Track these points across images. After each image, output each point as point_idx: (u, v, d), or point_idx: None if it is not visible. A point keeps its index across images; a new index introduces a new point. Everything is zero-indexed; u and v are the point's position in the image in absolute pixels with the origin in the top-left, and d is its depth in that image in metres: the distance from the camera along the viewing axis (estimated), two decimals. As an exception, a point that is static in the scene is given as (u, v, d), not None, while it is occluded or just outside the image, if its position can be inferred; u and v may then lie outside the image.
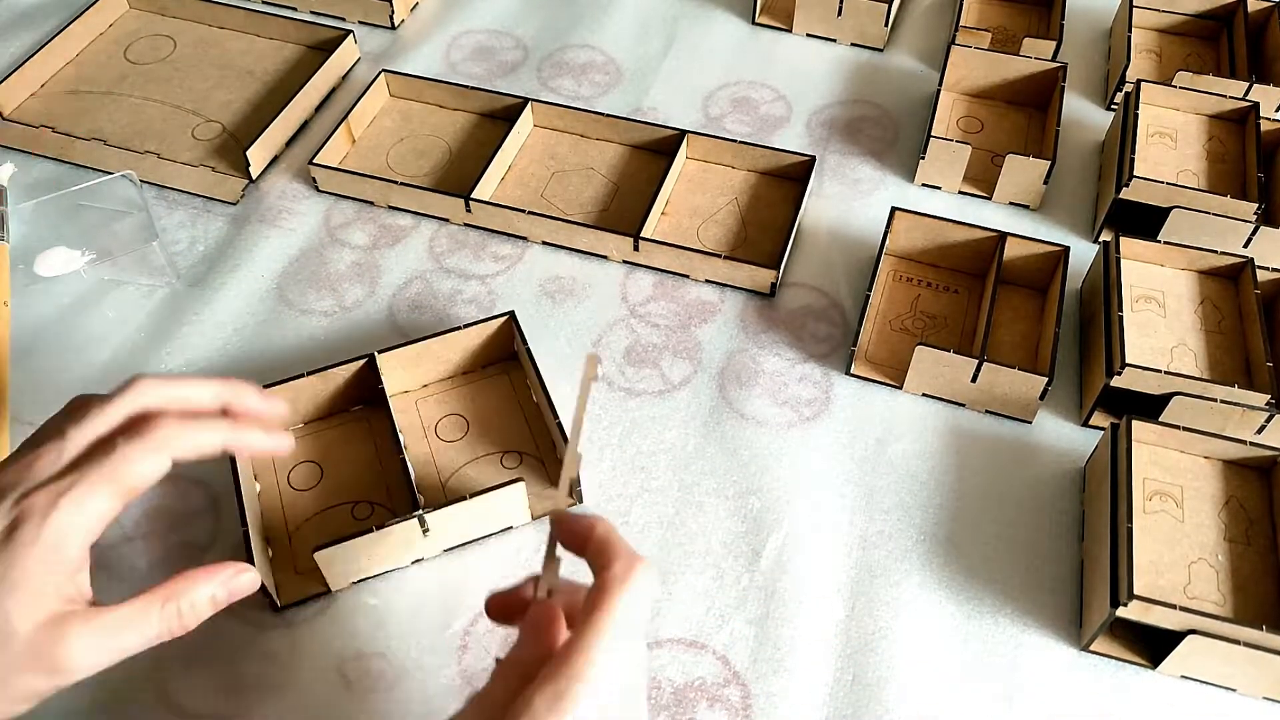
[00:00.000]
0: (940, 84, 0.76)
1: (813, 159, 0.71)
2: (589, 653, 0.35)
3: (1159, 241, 0.65)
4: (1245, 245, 0.66)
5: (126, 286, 0.66)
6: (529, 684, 0.34)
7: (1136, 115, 0.71)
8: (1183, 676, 0.51)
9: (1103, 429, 0.59)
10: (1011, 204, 0.72)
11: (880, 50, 0.84)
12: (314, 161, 0.71)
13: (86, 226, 0.68)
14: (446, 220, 0.70)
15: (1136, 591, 0.48)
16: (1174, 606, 0.48)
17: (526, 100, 0.75)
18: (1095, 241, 0.70)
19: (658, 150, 0.75)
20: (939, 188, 0.73)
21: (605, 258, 0.68)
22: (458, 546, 0.54)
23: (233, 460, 0.52)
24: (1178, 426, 0.55)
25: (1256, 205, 0.66)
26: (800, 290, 0.67)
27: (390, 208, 0.71)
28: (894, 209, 0.66)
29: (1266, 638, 0.47)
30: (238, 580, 0.42)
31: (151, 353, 0.63)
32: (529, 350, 0.58)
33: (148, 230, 0.67)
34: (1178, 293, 0.64)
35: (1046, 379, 0.57)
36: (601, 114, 0.74)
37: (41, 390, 0.60)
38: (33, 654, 0.37)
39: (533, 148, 0.75)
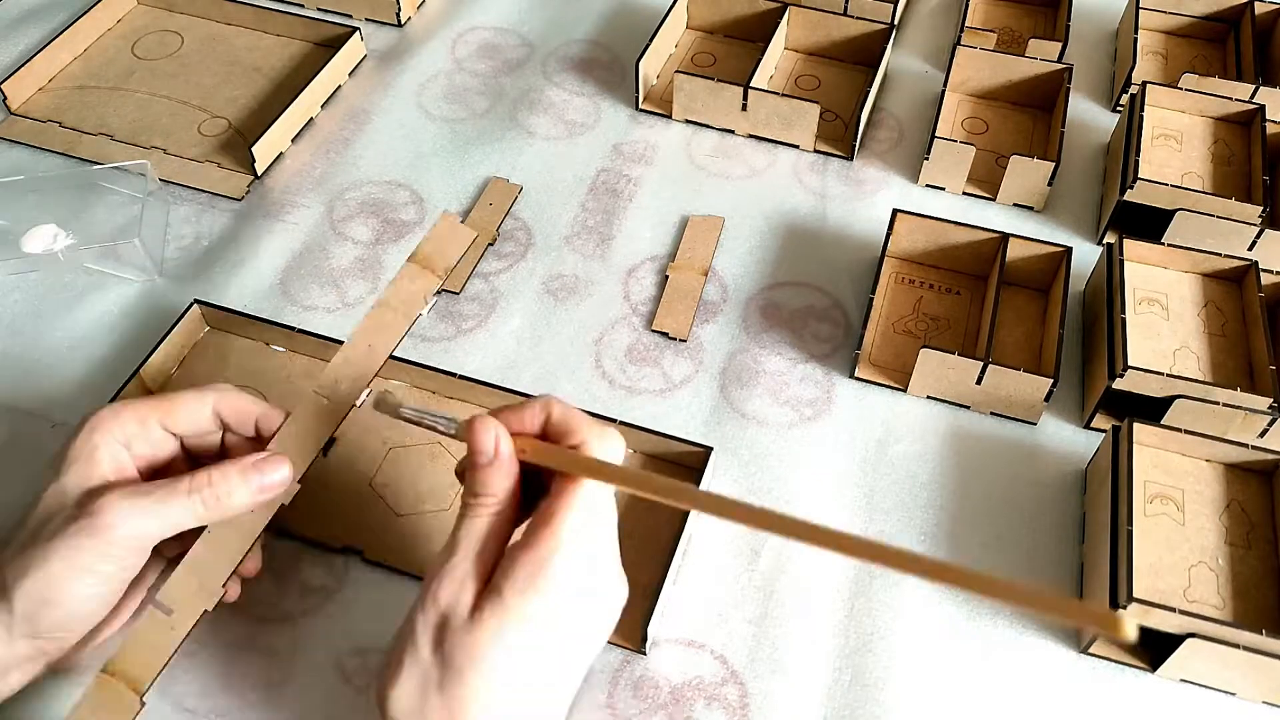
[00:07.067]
0: (945, 84, 0.76)
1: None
2: (567, 522, 0.39)
3: (1163, 244, 0.64)
4: (1250, 248, 0.66)
5: (135, 279, 0.66)
6: (505, 530, 0.40)
7: (1142, 117, 0.71)
8: (1182, 680, 0.51)
9: (1104, 431, 0.59)
10: (1016, 205, 0.72)
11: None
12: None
13: (81, 210, 0.68)
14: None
15: (1136, 594, 0.48)
16: (1173, 609, 0.48)
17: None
18: (1099, 243, 0.70)
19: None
20: (943, 188, 0.73)
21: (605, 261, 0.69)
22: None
23: None
24: (1179, 429, 0.55)
25: (1261, 208, 0.66)
26: (802, 290, 0.67)
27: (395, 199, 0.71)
28: (895, 211, 0.65)
29: (1266, 642, 0.47)
30: (267, 470, 0.44)
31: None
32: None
33: (149, 225, 0.67)
34: (1181, 295, 0.64)
35: (1052, 380, 0.57)
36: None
37: (37, 379, 0.60)
38: (78, 509, 0.42)
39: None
